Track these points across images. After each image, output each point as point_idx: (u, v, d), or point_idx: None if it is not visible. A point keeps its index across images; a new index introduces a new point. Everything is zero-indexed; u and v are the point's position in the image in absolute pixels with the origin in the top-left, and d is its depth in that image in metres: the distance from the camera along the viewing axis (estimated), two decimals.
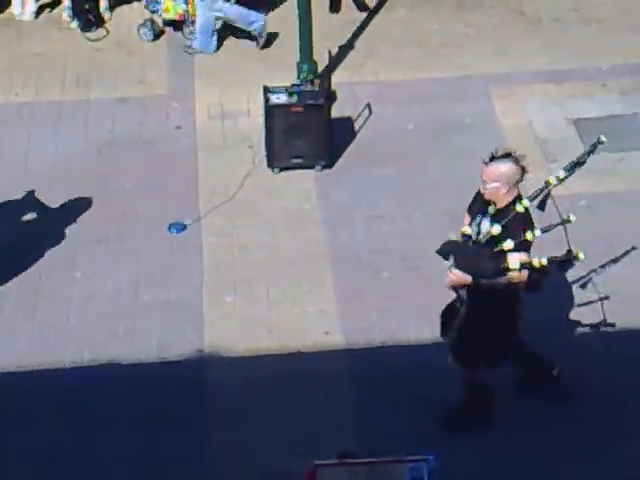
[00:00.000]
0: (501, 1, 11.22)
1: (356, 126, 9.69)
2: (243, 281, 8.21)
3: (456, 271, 6.60)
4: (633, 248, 7.76)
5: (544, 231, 6.47)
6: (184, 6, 10.74)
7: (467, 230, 6.67)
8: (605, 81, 10.07)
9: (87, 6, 10.87)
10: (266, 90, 9.25)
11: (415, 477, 6.22)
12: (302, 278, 8.22)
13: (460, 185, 8.88)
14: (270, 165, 9.26)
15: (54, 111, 9.93)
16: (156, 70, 10.43)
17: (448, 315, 6.96)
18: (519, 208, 6.44)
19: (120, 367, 7.57)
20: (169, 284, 8.20)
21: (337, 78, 10.02)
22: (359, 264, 8.32)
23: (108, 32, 10.92)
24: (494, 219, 6.51)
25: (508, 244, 6.36)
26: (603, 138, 6.82)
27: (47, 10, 11.21)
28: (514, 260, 6.34)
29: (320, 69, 9.89)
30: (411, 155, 9.35)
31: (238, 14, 10.59)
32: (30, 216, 8.79)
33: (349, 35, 10.77)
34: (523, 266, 6.36)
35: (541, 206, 6.57)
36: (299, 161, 9.23)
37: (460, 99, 9.91)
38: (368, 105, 9.84)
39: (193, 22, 10.72)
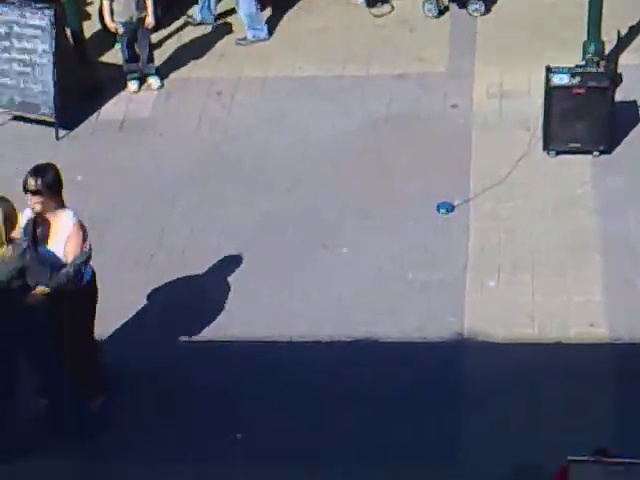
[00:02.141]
0: None
1: None
2: (508, 266, 8.05)
3: None
4: None
5: None
6: None
7: None
8: None
9: None
10: (548, 70, 9.00)
11: None
12: (569, 266, 7.97)
13: None
14: (546, 148, 9.02)
15: (334, 85, 10.06)
16: (437, 47, 10.36)
17: None
18: None
19: (377, 344, 7.58)
20: (433, 264, 8.15)
21: (624, 60, 9.60)
22: (631, 255, 7.98)
23: (393, 8, 10.94)
24: None
25: None
26: None
27: None
28: None
29: (608, 50, 9.52)
30: None
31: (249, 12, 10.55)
32: (303, 190, 8.95)
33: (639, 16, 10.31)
34: None
35: None
36: (577, 145, 8.94)
37: None
38: None
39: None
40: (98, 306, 7.02)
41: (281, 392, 7.24)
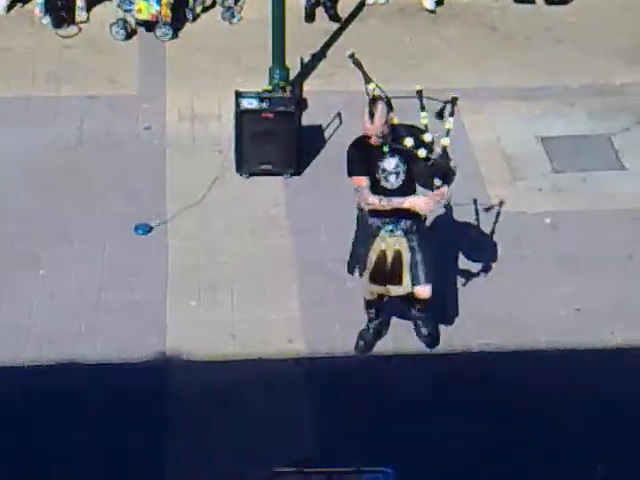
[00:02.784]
0: (474, 16, 11.29)
1: (326, 135, 9.72)
2: (207, 285, 8.21)
3: (444, 187, 7.00)
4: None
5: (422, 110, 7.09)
6: (157, 7, 10.73)
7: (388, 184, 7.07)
8: (573, 100, 10.16)
9: (60, 3, 10.82)
10: (238, 95, 9.26)
11: None
12: (267, 284, 8.23)
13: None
14: (239, 170, 9.27)
15: (23, 107, 9.89)
16: (127, 70, 10.41)
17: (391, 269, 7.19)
18: (394, 121, 7.09)
19: (81, 367, 7.54)
20: (133, 285, 8.19)
21: (309, 86, 10.06)
22: (324, 272, 8.34)
23: (80, 30, 10.89)
24: (395, 150, 7.01)
25: (427, 136, 6.96)
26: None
27: (19, 5, 11.15)
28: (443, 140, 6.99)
29: (292, 76, 9.91)
30: None
31: None
32: None
33: (322, 44, 10.80)
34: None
35: (439, 115, 7.14)
36: (268, 167, 9.24)
37: (428, 110, 9.92)
38: (339, 114, 9.87)
39: (165, 24, 10.73)
40: None
41: None
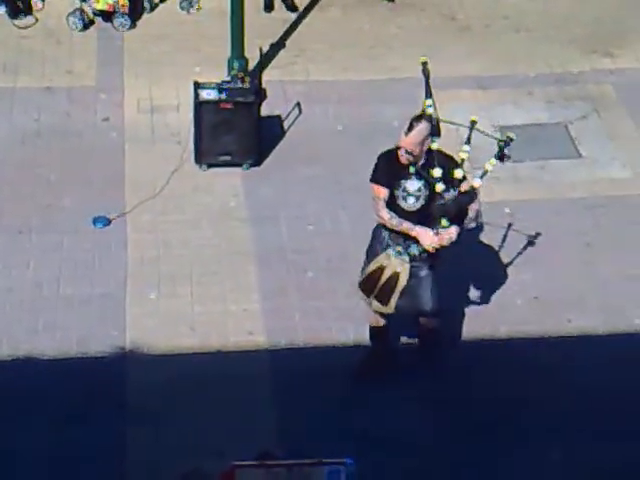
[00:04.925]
0: (433, 5, 11.30)
1: (285, 125, 9.70)
2: (167, 278, 8.18)
3: (453, 228, 6.83)
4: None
5: (467, 142, 6.91)
6: None
7: (405, 204, 6.88)
8: (531, 89, 10.20)
9: None
10: (196, 86, 9.22)
11: None
12: (226, 276, 8.22)
13: None
14: (198, 161, 9.23)
15: None
16: (85, 60, 10.33)
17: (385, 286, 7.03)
18: (433, 146, 6.86)
19: (39, 362, 7.50)
20: (92, 278, 8.15)
21: (268, 76, 10.02)
22: (284, 263, 8.34)
23: (37, 20, 10.79)
24: (421, 175, 6.83)
25: (458, 173, 6.79)
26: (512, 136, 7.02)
27: None
28: (474, 181, 6.85)
29: (251, 66, 9.88)
30: (339, 156, 9.38)
31: None
32: None
33: (281, 34, 10.77)
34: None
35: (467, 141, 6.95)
36: (227, 158, 9.21)
37: (389, 101, 9.96)
38: (298, 104, 9.86)
39: (123, 14, 10.66)
40: None
41: None
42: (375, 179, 6.94)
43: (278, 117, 9.75)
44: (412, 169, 6.84)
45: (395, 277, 7.01)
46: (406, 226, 6.87)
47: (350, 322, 7.82)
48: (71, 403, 7.20)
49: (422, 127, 6.76)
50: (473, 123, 6.97)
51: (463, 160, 6.87)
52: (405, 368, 7.48)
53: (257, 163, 9.26)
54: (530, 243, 8.41)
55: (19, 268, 8.20)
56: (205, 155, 9.21)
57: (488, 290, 8.05)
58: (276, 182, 9.10)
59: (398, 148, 6.84)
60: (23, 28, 10.68)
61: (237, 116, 9.15)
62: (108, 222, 8.62)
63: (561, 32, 10.89)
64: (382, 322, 7.34)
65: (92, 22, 10.79)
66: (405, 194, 6.88)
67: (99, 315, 7.85)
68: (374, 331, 7.41)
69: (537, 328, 7.83)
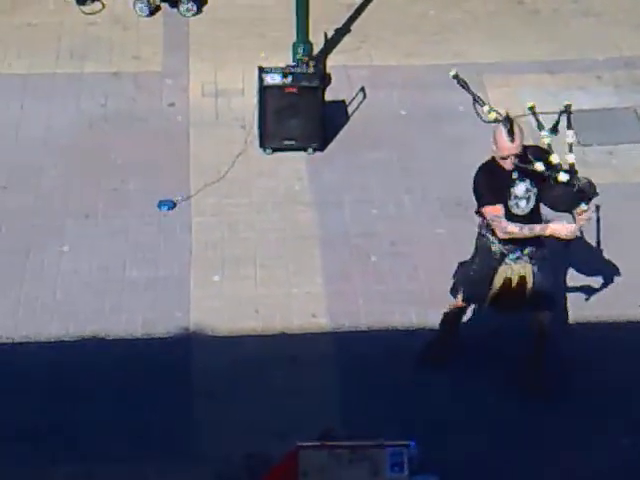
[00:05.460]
0: None
1: (349, 110, 9.68)
2: (231, 261, 8.21)
3: (588, 210, 6.70)
4: None
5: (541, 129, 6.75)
6: None
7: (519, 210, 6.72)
8: (600, 73, 10.07)
9: None
10: (261, 70, 9.24)
11: (395, 463, 6.22)
12: (290, 259, 8.22)
13: (450, 172, 8.94)
14: (262, 145, 9.25)
15: (47, 83, 9.90)
16: (151, 46, 10.39)
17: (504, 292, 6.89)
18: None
19: (105, 343, 7.57)
20: (157, 261, 8.19)
21: (332, 61, 10.02)
22: (347, 247, 8.33)
23: (104, 6, 10.88)
24: (524, 174, 6.64)
25: (554, 157, 6.60)
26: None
27: None
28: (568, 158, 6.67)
29: (316, 51, 9.88)
30: (403, 140, 9.35)
31: None
32: (20, 188, 8.79)
33: (346, 19, 10.74)
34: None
35: (554, 130, 6.76)
36: (291, 143, 9.22)
37: (454, 86, 9.66)
38: (362, 89, 9.83)
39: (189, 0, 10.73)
40: None
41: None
42: (487, 202, 6.65)
43: (342, 102, 9.74)
44: (515, 174, 6.64)
45: (522, 281, 6.87)
46: (538, 228, 6.67)
47: (413, 306, 7.79)
48: (136, 385, 7.25)
49: (519, 128, 6.59)
50: (532, 108, 6.82)
51: (550, 145, 6.71)
52: (471, 353, 7.43)
53: (321, 147, 9.26)
54: (600, 228, 8.28)
55: (85, 251, 8.28)
56: (269, 139, 9.22)
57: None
58: (340, 166, 9.09)
59: (503, 159, 6.60)
60: (90, 14, 10.78)
61: (301, 101, 9.15)
62: (173, 205, 8.67)
63: (630, 15, 10.74)
64: (463, 312, 7.31)
65: (158, 8, 10.86)
66: (517, 201, 6.69)
67: (164, 297, 7.90)
68: (449, 317, 7.34)
69: (607, 312, 7.73)
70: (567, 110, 6.78)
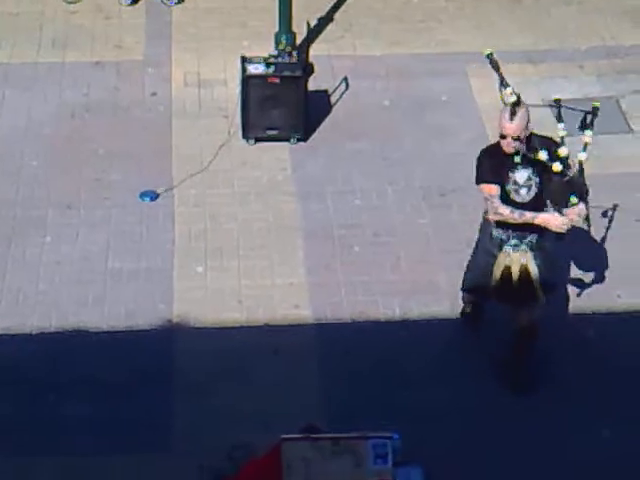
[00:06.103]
0: None
1: (332, 99, 9.67)
2: (214, 252, 8.20)
3: (580, 204, 6.71)
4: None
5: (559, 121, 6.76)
6: None
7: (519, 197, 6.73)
8: (582, 63, 10.08)
9: None
10: (244, 60, 9.21)
11: (379, 454, 6.24)
12: (273, 250, 8.22)
13: (433, 162, 8.95)
14: (245, 136, 9.23)
15: (29, 73, 9.86)
16: (133, 35, 10.36)
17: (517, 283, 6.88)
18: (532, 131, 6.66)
19: (87, 334, 7.55)
20: (139, 252, 8.18)
21: (315, 51, 9.98)
22: (330, 238, 8.32)
23: None
24: (527, 162, 6.64)
25: (563, 150, 6.62)
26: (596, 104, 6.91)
27: None
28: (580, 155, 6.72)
29: (299, 41, 9.85)
30: (386, 130, 9.34)
31: None
32: (1, 178, 8.76)
33: (329, 8, 10.73)
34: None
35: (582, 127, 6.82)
36: (274, 132, 9.20)
37: (437, 76, 9.90)
38: (345, 79, 9.82)
39: None
40: None
41: None
42: (483, 179, 6.69)
43: (325, 92, 9.72)
44: (517, 159, 6.63)
45: (525, 270, 6.84)
46: (529, 216, 6.65)
47: (396, 296, 7.80)
48: (119, 375, 7.24)
49: (524, 112, 6.59)
50: (557, 100, 6.82)
51: (563, 137, 6.69)
52: (453, 344, 7.45)
53: (304, 137, 9.25)
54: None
55: (68, 242, 8.26)
56: (252, 129, 9.20)
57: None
58: (323, 157, 9.08)
59: (503, 138, 6.62)
60: (72, 3, 10.73)
61: (284, 90, 9.13)
62: (156, 196, 8.65)
63: (613, 4, 10.75)
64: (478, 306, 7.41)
65: None
66: (516, 187, 6.69)
67: (147, 288, 7.89)
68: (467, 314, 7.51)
69: (586, 303, 7.76)
70: (594, 112, 6.80)
